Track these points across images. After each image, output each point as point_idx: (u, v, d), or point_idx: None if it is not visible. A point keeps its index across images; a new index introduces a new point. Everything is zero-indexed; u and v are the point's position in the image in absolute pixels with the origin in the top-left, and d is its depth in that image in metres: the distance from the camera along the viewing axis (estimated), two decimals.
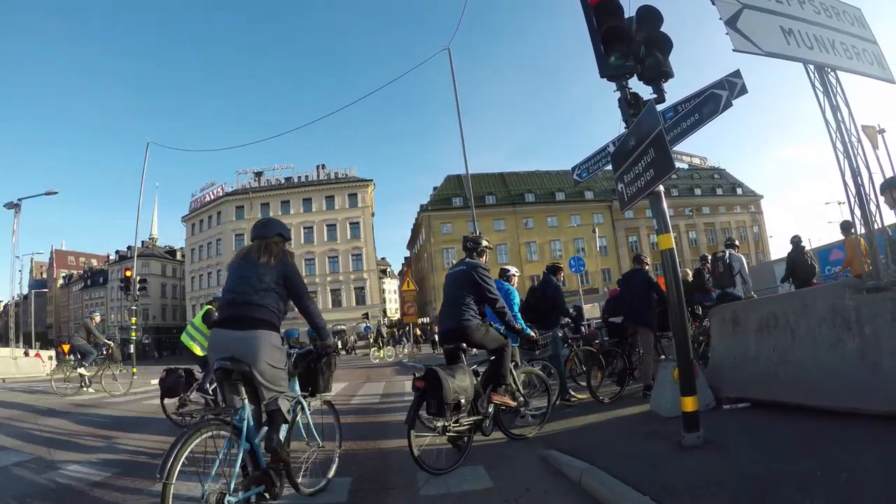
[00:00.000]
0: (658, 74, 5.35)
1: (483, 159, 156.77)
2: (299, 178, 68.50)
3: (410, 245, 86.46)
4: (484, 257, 5.89)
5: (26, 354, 27.72)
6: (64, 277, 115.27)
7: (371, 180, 68.42)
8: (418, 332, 41.18)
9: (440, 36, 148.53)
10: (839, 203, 51.13)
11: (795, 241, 10.78)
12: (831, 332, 5.43)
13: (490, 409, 5.36)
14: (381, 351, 28.47)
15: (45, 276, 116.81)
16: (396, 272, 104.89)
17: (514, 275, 8.01)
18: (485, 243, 5.93)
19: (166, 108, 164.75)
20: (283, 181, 68.62)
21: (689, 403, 4.68)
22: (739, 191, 77.35)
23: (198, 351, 7.90)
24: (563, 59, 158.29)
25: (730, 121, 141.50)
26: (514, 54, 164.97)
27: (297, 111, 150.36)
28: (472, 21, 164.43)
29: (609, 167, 8.62)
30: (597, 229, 52.72)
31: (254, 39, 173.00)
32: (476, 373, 5.38)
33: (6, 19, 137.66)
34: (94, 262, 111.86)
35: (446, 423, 4.77)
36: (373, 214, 68.48)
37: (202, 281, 69.32)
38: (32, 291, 69.04)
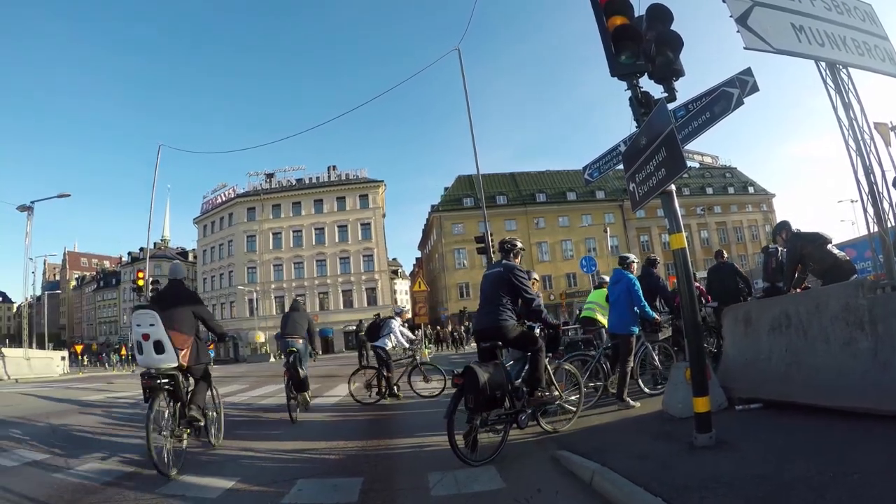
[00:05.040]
0: (669, 73, 5.31)
1: (492, 158, 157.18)
2: (310, 179, 68.64)
3: (422, 246, 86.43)
4: (519, 258, 6.02)
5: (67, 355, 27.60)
6: (77, 279, 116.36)
7: (382, 181, 68.54)
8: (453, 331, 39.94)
9: (450, 35, 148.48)
10: (852, 201, 50.80)
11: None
12: (844, 331, 5.36)
13: (526, 404, 5.52)
14: (426, 349, 27.21)
15: (58, 277, 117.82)
16: (408, 273, 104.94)
17: (633, 262, 8.07)
18: (520, 245, 6.10)
19: (178, 112, 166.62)
20: (294, 182, 68.79)
21: (702, 404, 4.66)
22: (751, 189, 76.71)
23: None
24: (572, 58, 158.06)
25: (742, 119, 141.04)
26: (522, 53, 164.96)
27: (308, 113, 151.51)
28: (481, 20, 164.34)
29: (620, 167, 8.65)
30: (608, 229, 52.50)
31: (263, 42, 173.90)
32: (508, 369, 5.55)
33: (13, 21, 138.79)
34: (107, 264, 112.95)
35: (484, 417, 5.05)
36: (384, 215, 68.59)
37: (214, 282, 69.66)
38: (45, 293, 69.48)
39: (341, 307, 61.10)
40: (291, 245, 65.73)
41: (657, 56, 5.29)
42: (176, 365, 5.42)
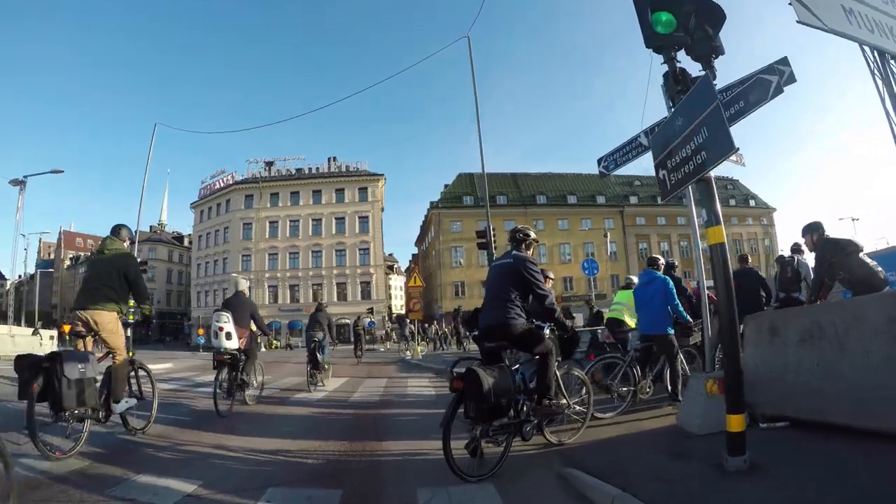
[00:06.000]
0: (708, 49, 4.78)
1: (493, 160, 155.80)
2: (310, 169, 68.13)
3: (419, 242, 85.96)
4: (531, 250, 5.40)
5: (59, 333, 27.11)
6: (71, 259, 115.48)
7: (382, 174, 67.91)
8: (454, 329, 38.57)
9: (459, 32, 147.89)
10: (853, 220, 50.72)
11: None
12: (887, 345, 4.80)
13: (531, 414, 4.90)
14: (418, 347, 26.77)
15: (52, 256, 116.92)
16: (403, 269, 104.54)
17: (663, 263, 7.88)
18: (533, 235, 5.45)
19: (181, 96, 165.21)
20: (293, 172, 68.25)
21: (736, 422, 4.06)
22: (752, 202, 76.53)
23: None
24: (579, 61, 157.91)
25: (746, 132, 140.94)
26: (530, 55, 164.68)
27: (312, 102, 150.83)
28: (489, 22, 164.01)
29: (639, 159, 8.06)
30: (608, 234, 52.07)
31: (268, 29, 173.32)
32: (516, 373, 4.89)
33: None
34: None
35: (485, 427, 4.43)
36: (382, 209, 67.93)
37: (208, 268, 69.00)
38: (39, 271, 68.68)
39: (335, 299, 60.33)
40: (288, 234, 65.12)
41: (696, 30, 4.75)
42: (236, 347, 8.18)
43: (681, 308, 7.27)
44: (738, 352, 4.20)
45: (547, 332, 5.36)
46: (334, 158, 68.29)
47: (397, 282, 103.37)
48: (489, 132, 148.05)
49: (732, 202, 75.73)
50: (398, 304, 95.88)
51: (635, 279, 9.64)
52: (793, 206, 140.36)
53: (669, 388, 7.21)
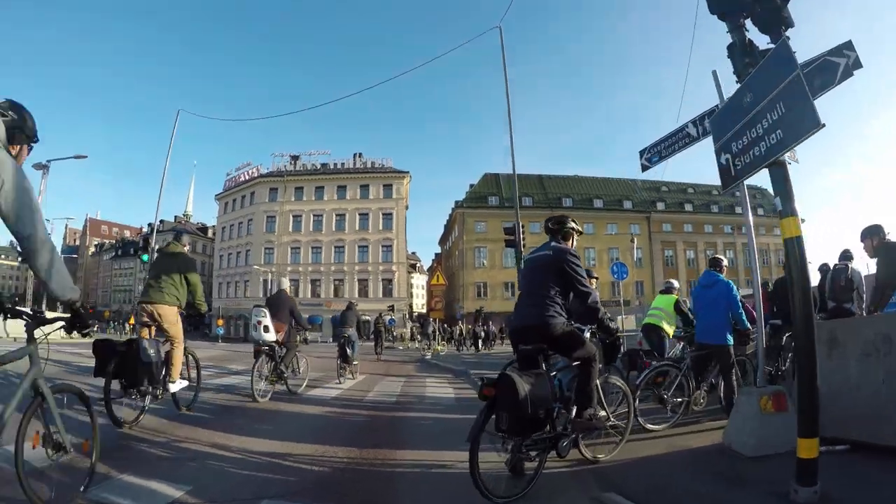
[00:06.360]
0: (777, 19, 4.21)
1: (519, 161, 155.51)
2: (335, 164, 67.99)
3: (442, 241, 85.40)
4: (570, 241, 4.76)
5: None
6: (96, 246, 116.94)
7: (407, 172, 67.55)
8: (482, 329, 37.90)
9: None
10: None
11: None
12: None
13: (570, 427, 4.32)
14: (438, 346, 26.17)
15: (77, 242, 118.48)
16: (426, 268, 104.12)
17: (726, 265, 7.26)
18: (572, 224, 4.79)
19: (214, 90, 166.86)
20: (318, 167, 68.17)
21: (809, 447, 3.49)
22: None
23: None
24: (609, 67, 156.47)
25: None
26: (560, 58, 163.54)
27: (339, 100, 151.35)
28: (519, 25, 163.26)
29: (686, 150, 7.47)
30: (635, 239, 51.11)
31: (297, 24, 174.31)
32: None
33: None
34: (128, 234, 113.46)
35: (519, 442, 3.88)
36: (407, 207, 67.58)
37: (230, 260, 69.26)
38: (63, 257, 69.34)
39: (356, 296, 59.90)
40: (311, 229, 65.00)
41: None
42: (274, 339, 8.73)
43: (743, 316, 6.67)
44: (814, 365, 3.58)
45: (587, 335, 4.77)
46: (360, 154, 68.07)
47: (419, 280, 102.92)
48: (516, 134, 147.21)
49: (760, 212, 74.27)
50: (419, 303, 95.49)
51: (676, 283, 9.05)
52: (823, 216, 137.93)
53: (723, 401, 6.58)
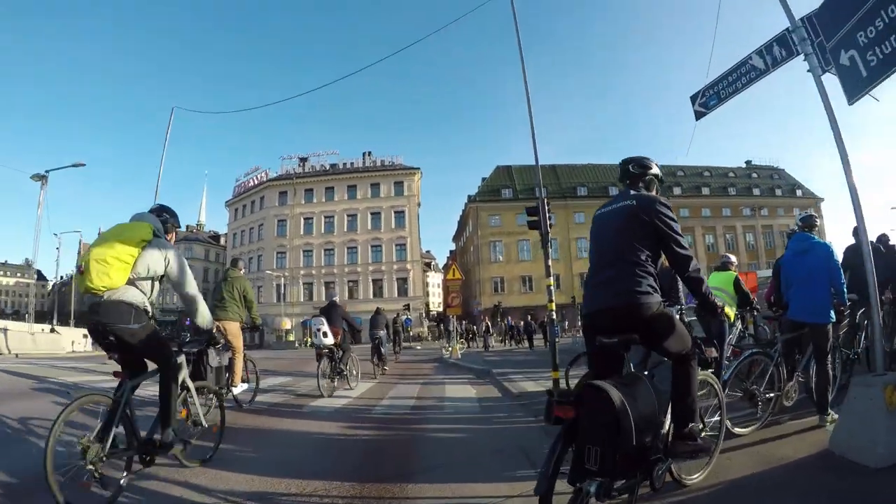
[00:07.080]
0: None
1: (530, 151, 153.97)
2: (344, 164, 67.11)
3: (456, 238, 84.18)
4: (655, 189, 3.39)
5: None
6: None
7: (418, 168, 66.49)
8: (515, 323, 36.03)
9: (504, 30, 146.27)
10: None
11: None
12: None
13: (669, 450, 3.05)
14: (457, 345, 24.18)
15: None
16: (440, 266, 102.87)
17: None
18: (655, 170, 3.41)
19: (217, 91, 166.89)
20: (327, 167, 67.25)
21: None
22: (799, 192, 73.15)
23: None
24: (623, 55, 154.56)
25: (790, 121, 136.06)
26: (573, 50, 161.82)
27: (342, 96, 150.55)
28: (531, 16, 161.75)
29: (752, 87, 6.15)
30: None
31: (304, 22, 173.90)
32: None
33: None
34: None
35: (609, 484, 2.51)
36: (419, 204, 66.46)
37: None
38: (76, 273, 69.04)
39: (371, 296, 58.84)
40: (323, 231, 64.17)
41: None
42: (332, 343, 9.90)
43: (844, 287, 5.43)
44: None
45: (676, 315, 3.43)
46: (369, 153, 67.14)
47: (435, 279, 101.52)
48: (525, 125, 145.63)
49: (779, 192, 72.50)
50: (436, 302, 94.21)
51: (733, 258, 7.74)
52: (841, 196, 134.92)
53: (815, 394, 5.21)
